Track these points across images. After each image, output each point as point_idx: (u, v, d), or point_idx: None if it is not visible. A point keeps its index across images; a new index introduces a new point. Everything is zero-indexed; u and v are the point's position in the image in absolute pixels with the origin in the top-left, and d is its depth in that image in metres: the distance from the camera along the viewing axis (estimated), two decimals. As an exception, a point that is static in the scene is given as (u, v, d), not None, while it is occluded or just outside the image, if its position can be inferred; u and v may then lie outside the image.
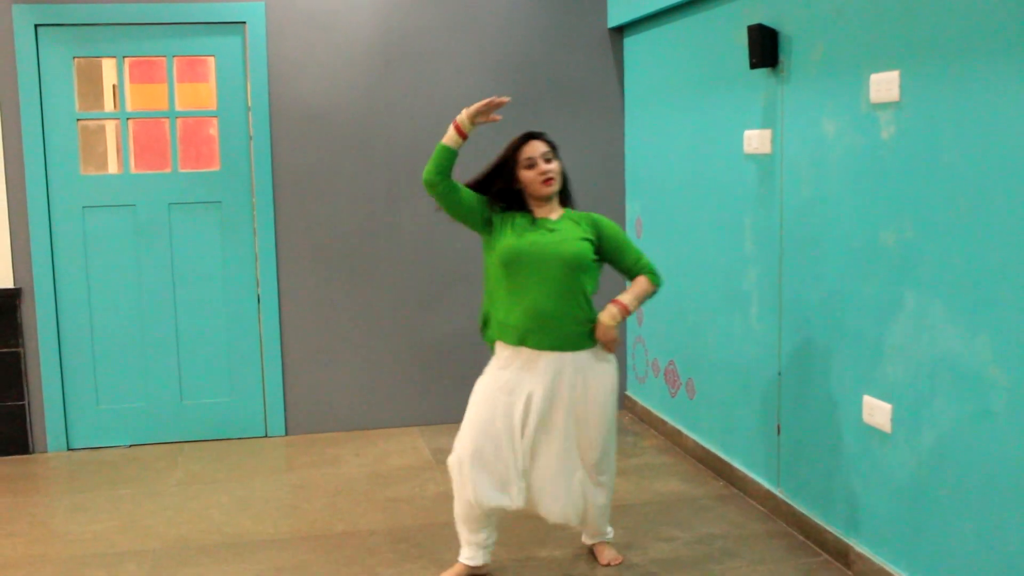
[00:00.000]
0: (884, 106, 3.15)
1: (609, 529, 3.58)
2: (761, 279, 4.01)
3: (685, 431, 4.83)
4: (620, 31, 5.39)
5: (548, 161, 3.26)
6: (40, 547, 3.86)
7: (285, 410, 5.25)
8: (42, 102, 4.89)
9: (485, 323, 3.40)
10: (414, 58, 5.19)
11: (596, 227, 3.32)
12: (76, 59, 4.96)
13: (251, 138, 5.08)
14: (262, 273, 5.15)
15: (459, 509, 3.37)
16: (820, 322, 3.59)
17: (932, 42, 2.93)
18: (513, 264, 3.23)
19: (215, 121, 5.11)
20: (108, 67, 5.56)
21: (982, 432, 2.79)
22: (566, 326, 3.24)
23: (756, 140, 3.98)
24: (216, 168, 5.11)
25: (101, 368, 5.08)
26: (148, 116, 5.22)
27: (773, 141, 3.87)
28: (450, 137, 3.24)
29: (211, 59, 5.08)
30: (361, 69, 5.15)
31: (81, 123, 5.01)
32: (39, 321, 4.95)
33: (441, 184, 3.24)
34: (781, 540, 3.75)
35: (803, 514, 3.75)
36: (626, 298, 3.32)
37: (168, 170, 5.08)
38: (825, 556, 3.58)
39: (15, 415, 4.98)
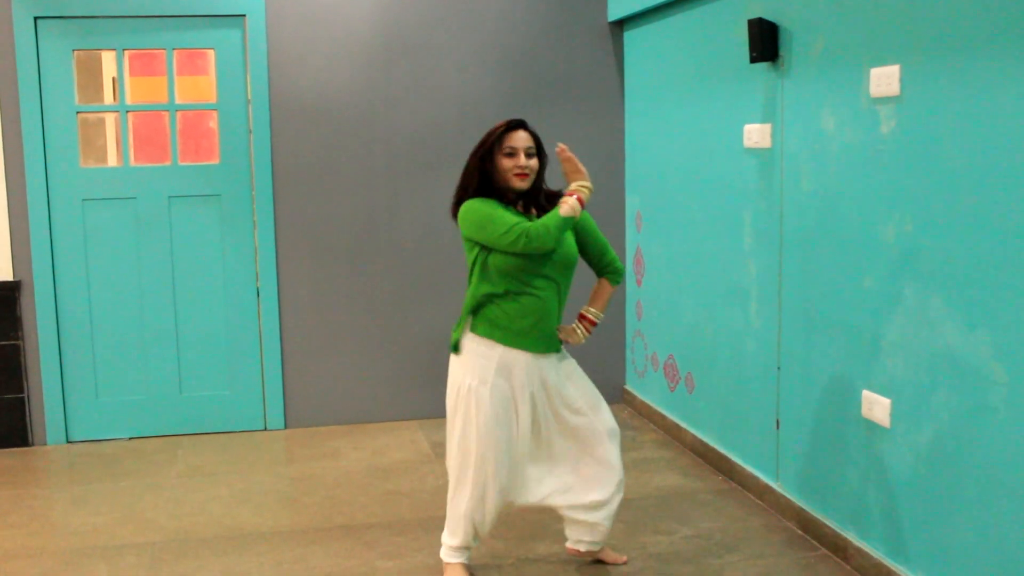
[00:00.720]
0: (884, 100, 3.15)
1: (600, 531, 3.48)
2: (761, 273, 4.01)
3: (684, 425, 4.83)
4: (620, 25, 5.39)
5: (529, 156, 3.17)
6: (40, 539, 3.86)
7: (284, 403, 5.26)
8: (42, 95, 4.89)
9: (473, 321, 3.22)
10: (414, 52, 5.19)
11: None
12: (76, 52, 4.95)
13: (251, 131, 5.07)
14: (261, 266, 5.15)
15: (477, 516, 3.29)
16: (819, 316, 3.59)
17: (932, 37, 2.93)
18: (524, 266, 3.13)
19: (215, 114, 5.10)
20: (108, 60, 5.56)
21: (981, 427, 2.80)
22: (553, 327, 3.24)
23: (756, 134, 3.98)
24: (216, 161, 5.11)
25: (100, 361, 5.08)
26: (148, 109, 5.21)
27: (773, 135, 3.87)
28: (573, 208, 3.09)
29: (211, 52, 5.08)
30: (361, 63, 5.15)
31: (81, 116, 5.01)
32: (38, 314, 4.96)
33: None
34: (780, 534, 3.76)
35: (802, 508, 3.76)
36: (594, 312, 3.33)
37: (168, 163, 5.08)
38: (823, 550, 3.59)
39: (14, 407, 4.98)
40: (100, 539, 3.85)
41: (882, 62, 3.16)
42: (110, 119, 5.68)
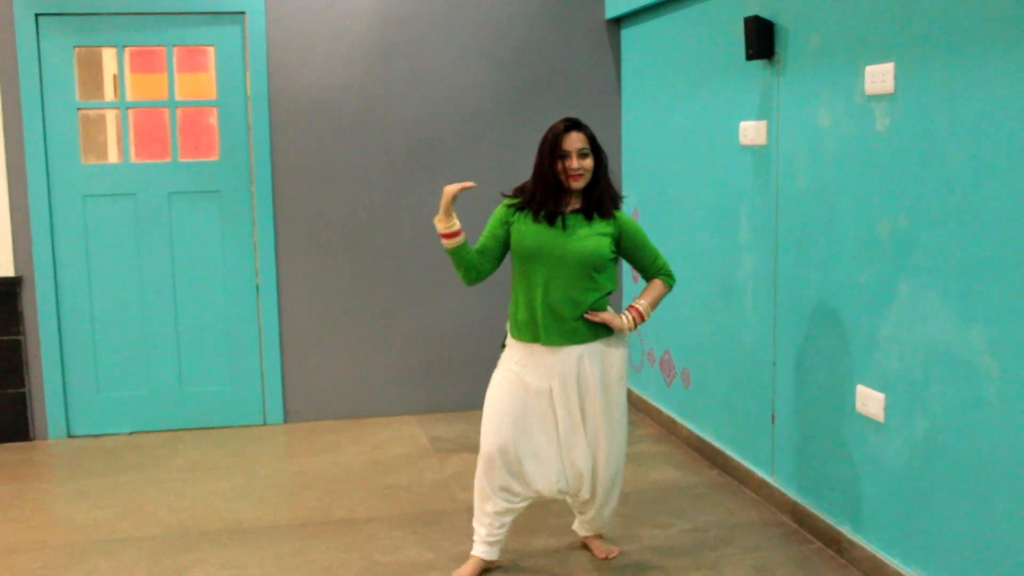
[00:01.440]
0: (879, 98, 3.18)
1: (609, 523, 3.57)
2: (756, 269, 4.04)
3: (680, 420, 4.86)
4: (617, 22, 5.41)
5: (583, 157, 3.24)
6: (41, 533, 3.89)
7: (284, 398, 5.29)
8: (43, 91, 4.91)
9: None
10: (413, 48, 5.21)
11: (618, 223, 3.31)
12: (76, 48, 4.97)
13: (250, 127, 5.09)
14: (261, 262, 5.17)
15: (488, 506, 3.33)
16: (814, 312, 3.62)
17: (927, 34, 2.95)
18: (528, 261, 3.26)
19: (215, 111, 5.12)
20: (108, 56, 5.57)
21: (975, 421, 2.82)
22: (577, 321, 3.27)
23: (752, 131, 4.00)
24: (215, 157, 5.13)
25: (101, 356, 5.11)
26: (148, 105, 5.24)
27: (769, 132, 3.89)
28: (447, 243, 3.29)
29: (211, 49, 5.10)
30: (360, 59, 5.17)
31: (82, 112, 5.03)
32: (40, 309, 4.98)
33: (481, 272, 3.34)
34: (775, 528, 3.79)
35: (797, 502, 3.79)
36: (643, 304, 3.37)
37: (168, 159, 5.10)
38: (818, 544, 3.62)
39: (16, 402, 5.01)
40: (101, 533, 3.88)
41: (877, 59, 3.18)
42: (111, 115, 5.70)
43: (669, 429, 4.99)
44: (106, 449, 4.92)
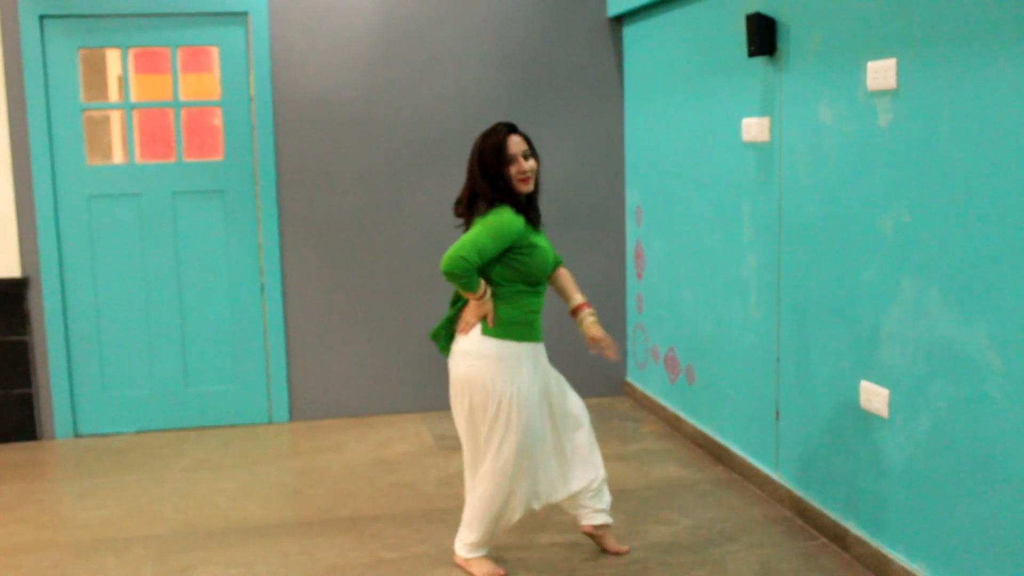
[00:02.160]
0: (881, 94, 3.18)
1: (608, 498, 3.54)
2: (760, 266, 4.04)
3: (684, 417, 4.87)
4: (619, 20, 5.41)
5: (526, 158, 3.21)
6: (48, 532, 3.91)
7: (289, 397, 5.30)
8: (47, 93, 4.92)
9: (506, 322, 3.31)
10: (416, 47, 5.22)
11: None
12: (81, 50, 4.99)
13: (254, 128, 5.11)
14: (266, 261, 5.19)
15: (508, 514, 3.34)
16: (818, 308, 3.62)
17: (929, 30, 2.95)
18: (548, 268, 3.32)
19: (219, 111, 5.14)
20: (113, 58, 5.59)
21: (978, 416, 2.83)
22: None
23: (754, 128, 4.00)
24: (220, 158, 5.15)
25: (107, 355, 5.13)
26: (152, 106, 5.25)
27: (771, 129, 3.89)
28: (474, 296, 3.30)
29: (215, 49, 5.11)
30: (363, 58, 5.18)
31: (86, 113, 5.05)
32: (46, 310, 5.00)
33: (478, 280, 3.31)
34: (779, 524, 3.79)
35: (801, 498, 3.79)
36: (580, 298, 3.46)
37: (172, 160, 5.12)
38: (823, 540, 3.62)
39: (23, 402, 5.03)
40: (108, 531, 3.89)
41: (879, 56, 3.18)
42: (115, 116, 5.71)
43: (673, 426, 5.00)
44: (112, 448, 4.94)
